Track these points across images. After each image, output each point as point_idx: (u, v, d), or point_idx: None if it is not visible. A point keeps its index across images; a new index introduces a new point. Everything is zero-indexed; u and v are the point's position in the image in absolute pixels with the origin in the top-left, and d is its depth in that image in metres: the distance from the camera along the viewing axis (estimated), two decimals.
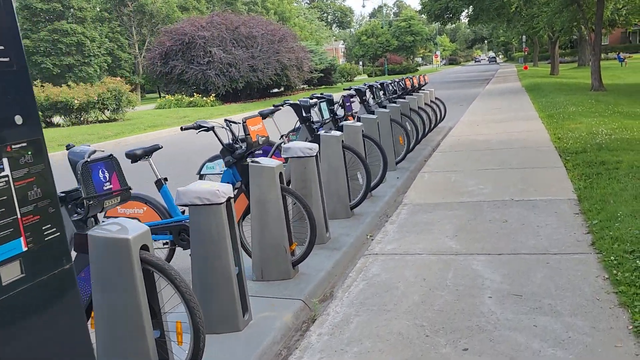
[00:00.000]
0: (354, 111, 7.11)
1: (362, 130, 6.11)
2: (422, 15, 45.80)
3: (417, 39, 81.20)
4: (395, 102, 9.23)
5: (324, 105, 5.85)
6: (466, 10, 39.99)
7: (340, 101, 6.76)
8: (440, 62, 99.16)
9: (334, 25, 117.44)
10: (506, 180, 6.30)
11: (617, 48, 56.14)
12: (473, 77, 44.73)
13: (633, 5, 29.41)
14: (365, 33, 78.55)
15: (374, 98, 8.48)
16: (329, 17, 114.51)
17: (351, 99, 7.03)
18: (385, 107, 8.52)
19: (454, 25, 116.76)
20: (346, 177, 5.40)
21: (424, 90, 12.11)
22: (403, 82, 10.69)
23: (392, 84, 10.12)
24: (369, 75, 70.14)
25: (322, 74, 39.40)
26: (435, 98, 12.55)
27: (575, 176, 6.10)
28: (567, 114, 11.74)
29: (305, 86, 40.46)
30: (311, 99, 5.87)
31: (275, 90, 37.03)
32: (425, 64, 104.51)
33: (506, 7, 30.68)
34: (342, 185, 5.37)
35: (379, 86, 8.84)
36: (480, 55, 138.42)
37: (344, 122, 6.21)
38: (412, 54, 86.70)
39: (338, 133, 5.44)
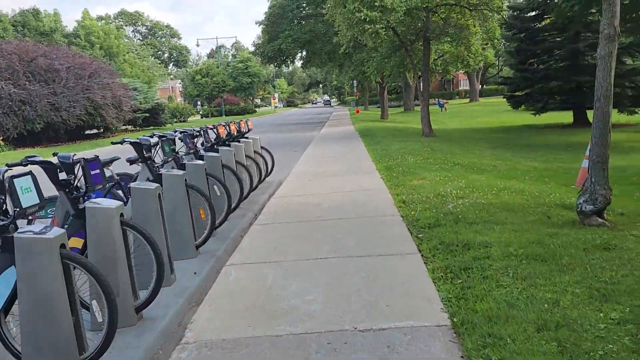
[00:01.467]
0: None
1: (206, 169, 6.23)
2: (257, 57, 44.88)
3: (254, 81, 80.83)
4: (201, 158, 6.97)
5: (166, 144, 5.83)
6: (300, 54, 39.91)
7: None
8: (279, 104, 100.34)
9: (171, 64, 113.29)
10: (345, 283, 4.26)
11: (435, 95, 61.09)
12: (309, 119, 44.60)
13: (451, 56, 30.93)
14: (200, 72, 75.98)
15: (174, 152, 6.16)
16: (165, 55, 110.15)
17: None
18: (183, 165, 6.20)
19: (290, 68, 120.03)
20: (190, 216, 5.38)
21: (247, 138, 9.99)
22: (216, 129, 8.45)
23: (203, 131, 7.83)
24: (205, 116, 67.43)
25: (148, 114, 35.82)
26: (262, 147, 10.54)
27: (438, 274, 4.28)
28: (406, 166, 10.48)
29: (129, 127, 36.43)
30: (152, 137, 5.72)
31: (94, 131, 32.55)
32: (265, 105, 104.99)
33: (337, 52, 30.64)
34: (187, 224, 5.35)
35: (170, 138, 6.46)
36: (316, 98, 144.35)
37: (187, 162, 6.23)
38: (251, 95, 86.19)
39: (181, 172, 5.44)
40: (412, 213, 6.37)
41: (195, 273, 4.97)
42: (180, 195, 5.40)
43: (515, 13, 23.75)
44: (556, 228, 5.41)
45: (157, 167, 5.58)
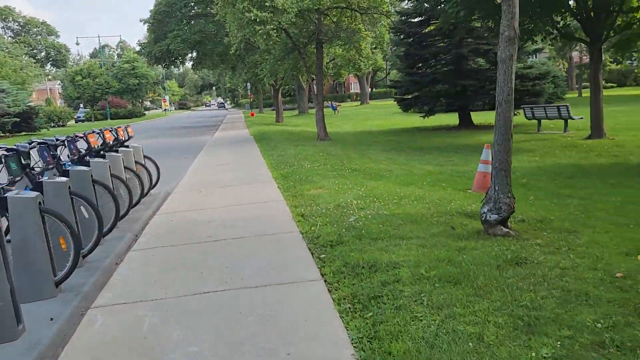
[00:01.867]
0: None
1: (70, 187, 5.44)
2: (143, 57, 42.44)
3: (142, 82, 76.81)
4: (66, 174, 5.93)
5: (12, 159, 5.00)
6: (190, 54, 38.29)
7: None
8: (170, 106, 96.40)
9: (49, 64, 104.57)
10: (238, 326, 3.58)
11: (328, 97, 61.86)
12: (202, 122, 43.00)
13: (343, 59, 31.18)
14: (80, 73, 70.66)
15: (24, 168, 5.12)
16: (41, 53, 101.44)
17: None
18: (40, 184, 5.17)
19: (181, 69, 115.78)
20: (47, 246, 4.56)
21: (127, 147, 8.91)
22: (86, 138, 7.36)
23: (68, 142, 6.72)
24: (89, 120, 62.85)
25: (19, 118, 32.36)
26: (145, 157, 9.51)
27: (345, 305, 3.74)
28: (303, 173, 9.97)
29: None
30: (30, 143, 5.53)
31: None
32: (156, 108, 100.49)
33: (229, 53, 29.67)
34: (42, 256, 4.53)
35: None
36: (210, 101, 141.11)
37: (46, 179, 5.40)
38: (139, 97, 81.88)
39: (34, 194, 4.62)
40: (312, 229, 5.83)
41: (52, 319, 4.03)
42: (33, 221, 4.43)
43: (403, 18, 24.32)
44: (463, 240, 5.12)
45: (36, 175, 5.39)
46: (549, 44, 34.75)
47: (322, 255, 4.90)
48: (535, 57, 39.53)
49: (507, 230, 5.39)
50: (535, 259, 4.41)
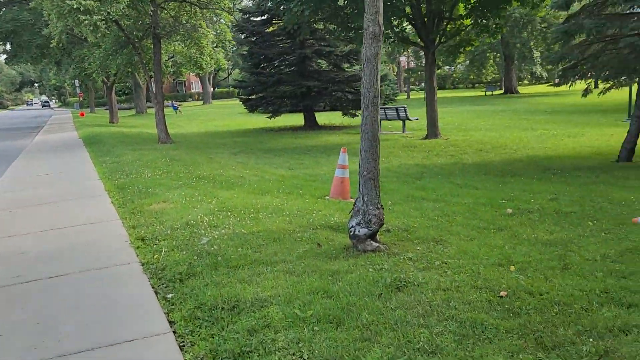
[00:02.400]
0: None
1: None
2: None
3: None
4: None
5: None
6: (2, 47, 33.39)
7: None
8: None
9: None
10: None
11: (168, 97, 58.86)
12: (21, 123, 37.80)
13: (183, 57, 29.64)
14: None
15: None
16: None
17: None
18: None
19: None
20: None
21: None
22: None
23: None
24: None
25: None
26: None
27: None
28: (143, 183, 8.73)
29: None
30: None
31: None
32: None
33: (50, 46, 26.26)
34: None
35: None
36: (32, 99, 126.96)
37: None
38: None
39: None
40: (156, 257, 4.82)
41: None
42: None
43: (245, 16, 23.61)
44: (333, 260, 4.55)
45: None
46: (386, 48, 36.79)
47: (170, 295, 3.96)
48: None
49: (377, 244, 4.95)
50: (414, 280, 3.98)
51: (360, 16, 15.08)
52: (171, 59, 38.97)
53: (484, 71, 59.73)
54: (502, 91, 51.74)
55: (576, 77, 11.77)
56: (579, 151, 12.93)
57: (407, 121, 19.10)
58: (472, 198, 7.71)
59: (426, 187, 8.74)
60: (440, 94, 52.61)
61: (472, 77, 62.69)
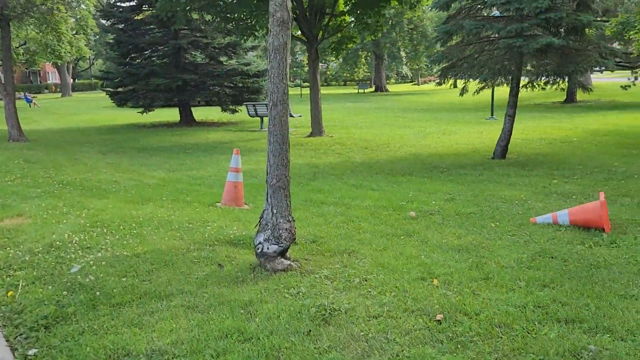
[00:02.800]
0: None
1: None
2: None
3: None
4: None
5: None
6: None
7: None
8: None
9: None
10: None
11: (20, 88, 52.79)
12: None
13: (38, 44, 26.60)
14: None
15: None
16: None
17: None
18: None
19: None
20: None
21: None
22: None
23: None
24: None
25: None
26: None
27: None
28: None
29: None
30: None
31: None
32: None
33: None
34: None
35: None
36: None
37: None
38: None
39: None
40: (10, 294, 3.78)
41: None
42: None
43: (112, 1, 21.58)
44: (240, 285, 3.88)
45: None
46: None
47: (32, 351, 3.01)
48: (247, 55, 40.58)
49: (289, 262, 4.36)
50: (340, 306, 3.46)
51: (239, 6, 14.32)
52: (22, 46, 34.80)
53: (356, 69, 61.66)
54: (373, 89, 53.73)
55: (455, 76, 12.11)
56: (457, 149, 13.41)
57: (290, 118, 18.69)
58: (371, 200, 7.42)
59: (322, 189, 8.31)
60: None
61: (345, 74, 64.28)
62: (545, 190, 7.98)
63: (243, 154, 12.87)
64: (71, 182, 8.22)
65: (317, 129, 16.44)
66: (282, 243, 4.25)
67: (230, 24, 15.51)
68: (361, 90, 52.38)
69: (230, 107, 21.74)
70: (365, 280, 4.11)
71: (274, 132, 4.20)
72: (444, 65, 12.40)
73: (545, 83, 11.31)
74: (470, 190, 8.10)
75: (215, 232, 5.30)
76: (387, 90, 50.53)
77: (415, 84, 65.76)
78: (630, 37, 14.24)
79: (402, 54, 49.43)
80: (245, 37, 15.84)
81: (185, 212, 6.23)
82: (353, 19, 15.50)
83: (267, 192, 4.33)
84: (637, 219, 6.07)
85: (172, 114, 23.92)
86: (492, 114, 21.58)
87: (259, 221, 4.37)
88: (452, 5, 12.12)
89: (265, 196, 4.34)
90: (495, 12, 11.78)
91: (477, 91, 12.61)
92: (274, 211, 4.25)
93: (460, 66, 11.77)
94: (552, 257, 4.77)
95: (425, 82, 67.73)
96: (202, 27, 20.51)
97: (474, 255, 4.86)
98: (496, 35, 10.58)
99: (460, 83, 13.06)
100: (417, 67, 57.12)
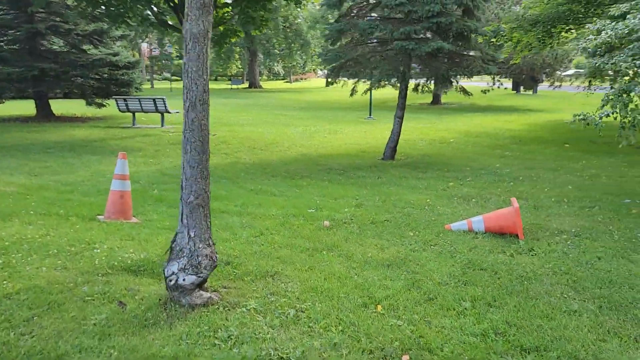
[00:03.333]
0: None
1: None
2: None
3: None
4: None
5: None
6: None
7: None
8: None
9: None
10: None
11: None
12: None
13: None
14: None
15: None
16: None
17: None
18: None
19: None
20: None
21: None
22: None
23: None
24: None
25: None
26: None
27: None
28: None
29: None
30: None
31: None
32: None
33: None
34: None
35: None
36: None
37: None
38: None
39: None
40: None
41: None
42: None
43: None
44: (153, 331, 3.12)
45: None
46: (142, 32, 33.33)
47: None
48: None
49: (208, 294, 3.64)
50: (288, 354, 2.86)
51: None
52: None
53: (229, 65, 60.21)
54: (246, 85, 52.85)
55: (346, 75, 11.94)
56: (346, 149, 13.28)
57: (165, 114, 17.33)
58: (277, 208, 6.84)
59: (219, 196, 7.53)
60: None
61: (218, 69, 62.55)
62: (445, 193, 8.00)
63: (114, 155, 11.54)
64: None
65: None
66: (201, 273, 3.53)
67: (98, 9, 13.87)
68: (234, 86, 51.26)
69: (97, 100, 19.70)
70: (302, 312, 3.55)
71: (192, 138, 3.46)
72: (333, 64, 12.16)
73: (435, 86, 11.57)
74: (375, 194, 7.86)
75: (106, 256, 4.38)
76: (260, 87, 49.99)
77: (287, 82, 66.06)
78: (498, 42, 15.22)
79: (276, 51, 49.23)
80: (117, 25, 14.27)
81: (63, 231, 5.14)
82: (236, 12, 14.69)
83: (181, 211, 3.56)
84: (540, 223, 6.22)
85: (24, 107, 21.11)
86: (370, 114, 22.02)
87: (170, 246, 3.60)
88: (345, 4, 11.90)
89: (179, 216, 3.57)
90: (382, 13, 11.76)
91: (366, 92, 12.60)
92: (191, 234, 3.51)
93: (350, 66, 11.61)
94: (482, 269, 4.61)
95: (296, 80, 68.33)
96: (62, 11, 18.27)
97: (404, 271, 4.52)
98: (387, 37, 10.52)
99: (349, 83, 12.93)
100: (290, 64, 57.34)
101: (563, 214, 6.64)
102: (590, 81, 11.77)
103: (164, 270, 3.58)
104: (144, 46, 71.05)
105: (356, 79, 11.62)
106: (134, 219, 5.99)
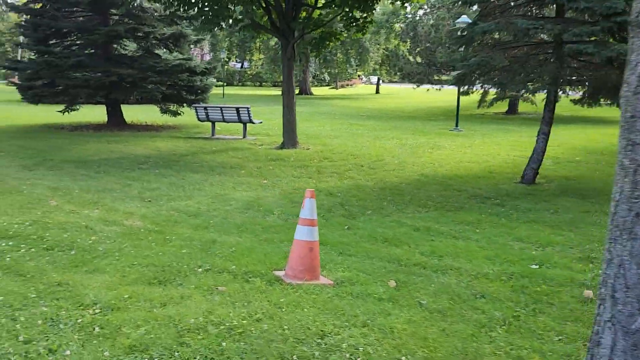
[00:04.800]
0: None
1: None
2: None
3: None
4: None
5: None
6: None
7: None
8: None
9: None
10: None
11: None
12: None
13: None
14: None
15: None
16: None
17: None
18: None
19: None
20: None
21: None
22: None
23: None
24: None
25: None
26: None
27: None
28: None
29: None
30: None
31: None
32: None
33: None
34: None
35: None
36: None
37: None
38: None
39: None
40: None
41: None
42: None
43: None
44: None
45: None
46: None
47: None
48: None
49: None
50: None
51: None
52: None
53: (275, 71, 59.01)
54: (297, 91, 51.58)
55: (482, 83, 10.37)
56: (467, 168, 11.64)
57: (249, 125, 16.02)
58: (479, 259, 5.29)
59: (388, 237, 6.02)
60: (232, 90, 49.73)
61: (267, 75, 61.55)
62: None
63: (217, 173, 10.22)
64: (11, 231, 5.25)
65: (290, 139, 13.97)
66: None
67: (193, 10, 12.61)
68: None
69: (171, 108, 18.58)
70: None
71: None
72: (464, 72, 10.57)
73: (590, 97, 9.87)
74: (580, 236, 6.21)
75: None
76: (312, 94, 48.60)
77: (333, 88, 64.43)
78: None
79: (339, 56, 47.74)
80: (211, 28, 13.02)
81: (261, 306, 3.69)
82: (338, 12, 13.22)
83: None
84: None
85: (95, 114, 20.19)
86: (456, 125, 20.22)
87: None
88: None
89: None
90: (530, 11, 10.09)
91: (495, 101, 10.96)
92: None
93: (488, 73, 10.01)
94: None
95: (342, 87, 66.67)
96: (140, 14, 17.25)
97: None
98: (551, 39, 8.89)
99: (477, 92, 11.30)
100: (344, 71, 55.88)
101: None
102: None
103: None
104: (196, 51, 70.67)
105: (499, 88, 10.00)
106: (324, 277, 4.52)
